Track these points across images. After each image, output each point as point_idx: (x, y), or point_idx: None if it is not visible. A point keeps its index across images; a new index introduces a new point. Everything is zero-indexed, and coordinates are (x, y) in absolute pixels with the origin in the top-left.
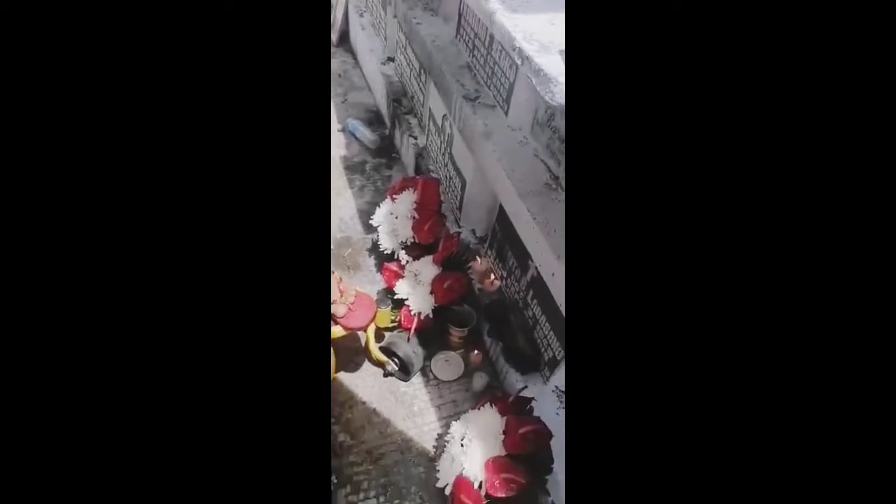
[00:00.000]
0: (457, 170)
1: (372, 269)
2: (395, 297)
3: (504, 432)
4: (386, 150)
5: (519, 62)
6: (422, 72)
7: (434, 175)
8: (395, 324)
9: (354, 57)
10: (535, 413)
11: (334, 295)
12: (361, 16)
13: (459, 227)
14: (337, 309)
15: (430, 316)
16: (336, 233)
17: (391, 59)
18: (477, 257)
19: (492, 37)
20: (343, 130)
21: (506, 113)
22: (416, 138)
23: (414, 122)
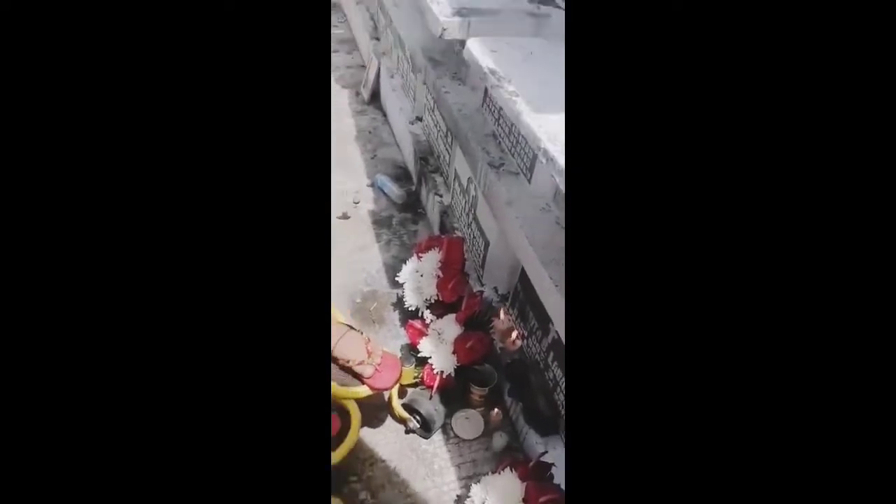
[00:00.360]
0: (480, 230)
1: (396, 324)
2: (419, 354)
3: (524, 500)
4: (412, 206)
5: (543, 161)
6: (448, 133)
7: (458, 234)
8: (418, 380)
9: (384, 115)
10: (556, 479)
11: (362, 355)
12: (392, 77)
13: (482, 284)
14: (364, 369)
15: (452, 375)
16: (363, 286)
17: (419, 119)
18: (499, 315)
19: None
20: (372, 185)
21: (529, 181)
22: (441, 196)
23: (440, 180)
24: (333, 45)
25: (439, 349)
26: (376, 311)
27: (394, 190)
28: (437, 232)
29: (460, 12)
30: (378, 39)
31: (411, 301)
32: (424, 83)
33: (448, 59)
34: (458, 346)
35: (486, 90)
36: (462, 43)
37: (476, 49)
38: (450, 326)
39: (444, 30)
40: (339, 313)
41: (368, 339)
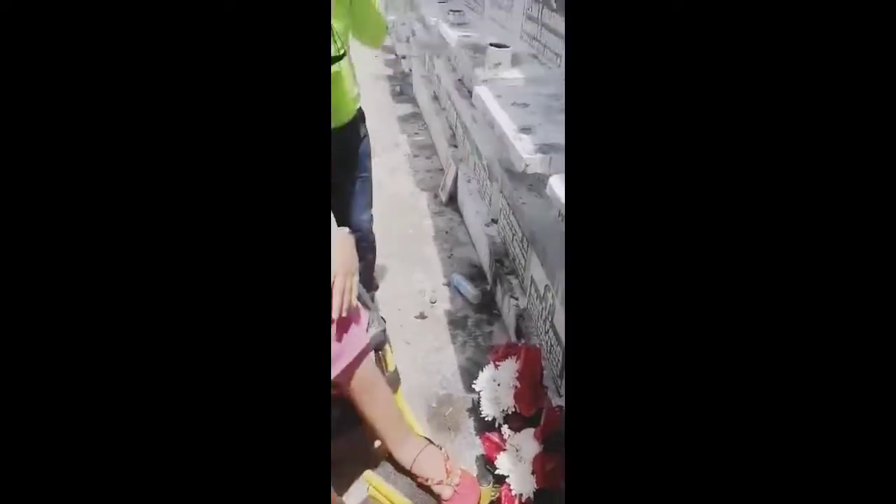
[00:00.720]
0: (558, 339)
1: (472, 432)
2: (496, 471)
3: None
4: (487, 307)
5: None
6: (524, 239)
7: (536, 342)
8: (495, 500)
9: (461, 216)
10: None
11: (441, 474)
12: (469, 182)
13: (560, 395)
14: (443, 490)
15: (531, 499)
16: (438, 390)
17: (494, 221)
18: None
19: None
20: (448, 285)
21: None
22: (517, 299)
23: (515, 282)
24: (414, 151)
25: (518, 468)
26: (451, 417)
27: (469, 290)
28: (512, 335)
29: (542, 149)
30: (456, 147)
31: (488, 411)
32: (501, 192)
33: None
34: (538, 466)
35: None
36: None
37: (557, 186)
38: (528, 442)
39: (527, 166)
40: (417, 423)
41: (447, 457)
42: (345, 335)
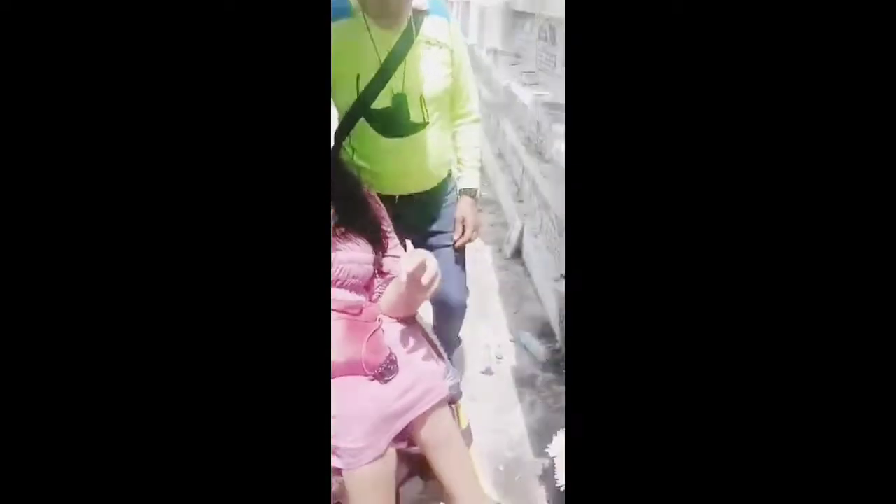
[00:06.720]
0: None
1: (545, 501)
2: None
3: None
4: (557, 365)
5: None
6: None
7: None
8: None
9: (526, 272)
10: None
11: None
12: (536, 237)
13: None
14: None
15: None
16: (506, 451)
17: (563, 277)
18: None
19: None
20: (515, 341)
21: None
22: None
23: None
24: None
25: None
26: (521, 483)
27: (539, 349)
28: None
29: None
30: (522, 202)
31: (562, 480)
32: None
33: None
34: None
35: None
36: None
37: None
38: None
39: None
40: (486, 482)
41: None
42: (420, 382)
